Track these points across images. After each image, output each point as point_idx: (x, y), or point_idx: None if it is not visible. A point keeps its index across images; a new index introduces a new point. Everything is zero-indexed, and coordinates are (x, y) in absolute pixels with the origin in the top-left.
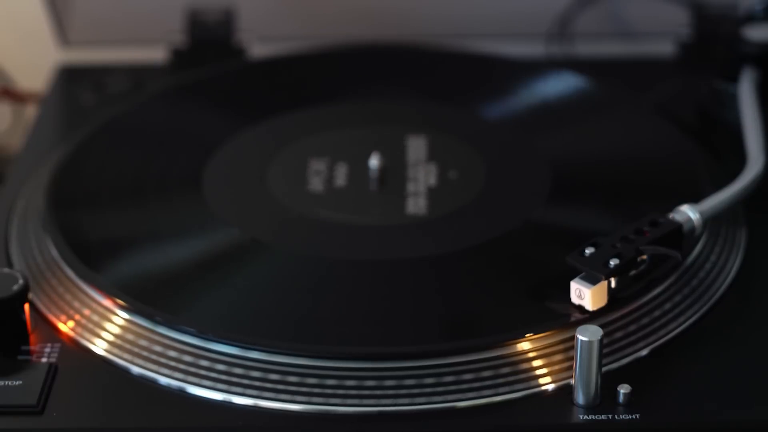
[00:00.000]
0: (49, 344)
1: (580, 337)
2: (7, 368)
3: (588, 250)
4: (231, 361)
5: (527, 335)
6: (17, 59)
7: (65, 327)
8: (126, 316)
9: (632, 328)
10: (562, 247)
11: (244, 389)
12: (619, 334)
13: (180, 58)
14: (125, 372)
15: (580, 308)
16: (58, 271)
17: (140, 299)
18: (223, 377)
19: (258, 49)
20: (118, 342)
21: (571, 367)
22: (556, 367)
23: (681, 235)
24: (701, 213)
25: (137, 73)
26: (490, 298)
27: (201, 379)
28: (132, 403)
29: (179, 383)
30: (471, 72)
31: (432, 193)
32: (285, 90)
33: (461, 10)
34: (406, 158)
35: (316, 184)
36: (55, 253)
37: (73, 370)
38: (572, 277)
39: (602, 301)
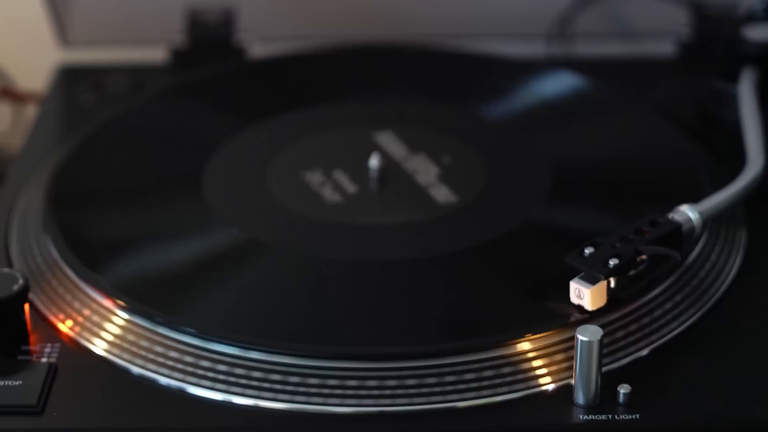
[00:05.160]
0: (49, 344)
1: (580, 337)
2: (7, 368)
3: (587, 250)
4: (231, 361)
5: (527, 335)
6: (17, 59)
7: (65, 327)
8: (126, 316)
9: (632, 327)
10: (562, 247)
11: (244, 389)
12: (619, 334)
13: (180, 58)
14: (125, 372)
15: (580, 308)
16: (58, 271)
17: (140, 300)
18: (223, 377)
19: (258, 49)
20: (118, 342)
21: (571, 367)
22: (556, 367)
23: (680, 235)
24: (701, 213)
25: (137, 73)
26: (490, 298)
27: (201, 379)
28: (132, 403)
29: (179, 383)
30: (471, 72)
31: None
32: (285, 90)
33: (461, 10)
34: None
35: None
36: (55, 253)
37: (73, 370)
38: (572, 277)
39: (602, 301)
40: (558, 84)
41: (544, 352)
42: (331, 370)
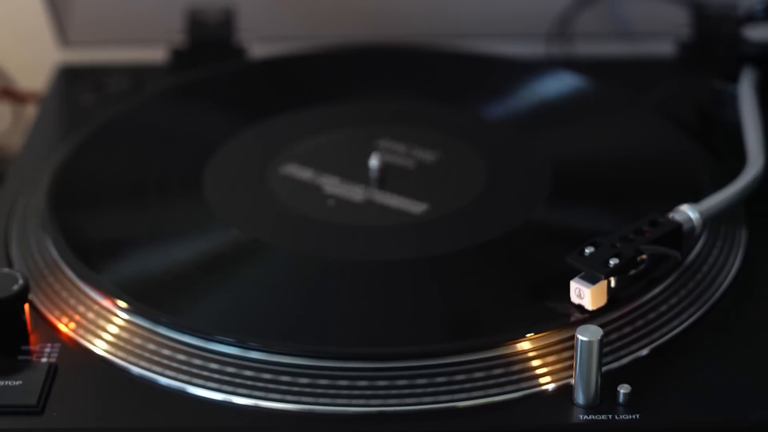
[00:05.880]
0: (49, 344)
1: (580, 337)
2: (7, 368)
3: (588, 250)
4: (231, 361)
5: (527, 335)
6: (17, 59)
7: (65, 327)
8: (126, 316)
9: (632, 327)
10: (562, 247)
11: (245, 389)
12: (619, 334)
13: (180, 58)
14: (125, 372)
15: (580, 308)
16: (58, 271)
17: (140, 299)
18: (223, 377)
19: (258, 49)
20: (118, 342)
21: (571, 367)
22: (556, 367)
23: (681, 235)
24: (701, 213)
25: (137, 73)
26: (490, 298)
27: (201, 379)
28: (132, 403)
29: (179, 383)
30: (471, 72)
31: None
32: (285, 90)
33: (461, 10)
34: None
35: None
36: (55, 253)
37: (73, 370)
38: (572, 277)
39: (602, 301)
40: (558, 84)
41: (544, 352)
42: (330, 370)
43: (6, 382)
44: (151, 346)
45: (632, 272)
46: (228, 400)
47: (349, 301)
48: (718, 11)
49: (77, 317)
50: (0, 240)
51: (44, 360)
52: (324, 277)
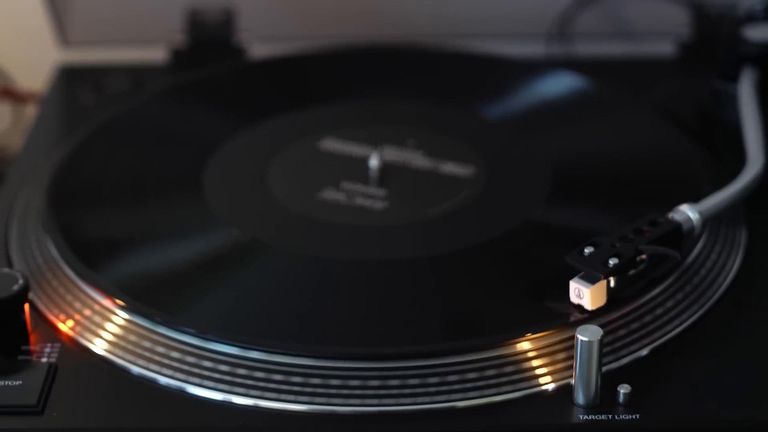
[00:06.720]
0: (49, 344)
1: (580, 337)
2: (7, 368)
3: (587, 250)
4: (231, 361)
5: (527, 335)
6: (17, 59)
7: (65, 327)
8: (126, 316)
9: (632, 327)
10: (562, 247)
11: (244, 389)
12: (618, 334)
13: (180, 58)
14: (125, 372)
15: (580, 308)
16: (58, 271)
17: (140, 299)
18: (223, 377)
19: (258, 49)
20: (118, 342)
21: (571, 367)
22: (556, 367)
23: (680, 235)
24: (701, 213)
25: (137, 73)
26: (490, 298)
27: (201, 379)
28: (132, 403)
29: (179, 383)
30: (471, 72)
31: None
32: (285, 90)
33: (461, 10)
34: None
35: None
36: (55, 253)
37: (73, 370)
38: (572, 277)
39: (601, 301)
40: (558, 84)
41: (544, 352)
42: (330, 370)
43: (6, 382)
44: (151, 346)
45: (632, 272)
46: (227, 399)
47: (349, 301)
48: (718, 11)
49: (77, 317)
50: (0, 240)
51: (44, 360)
52: (324, 277)
